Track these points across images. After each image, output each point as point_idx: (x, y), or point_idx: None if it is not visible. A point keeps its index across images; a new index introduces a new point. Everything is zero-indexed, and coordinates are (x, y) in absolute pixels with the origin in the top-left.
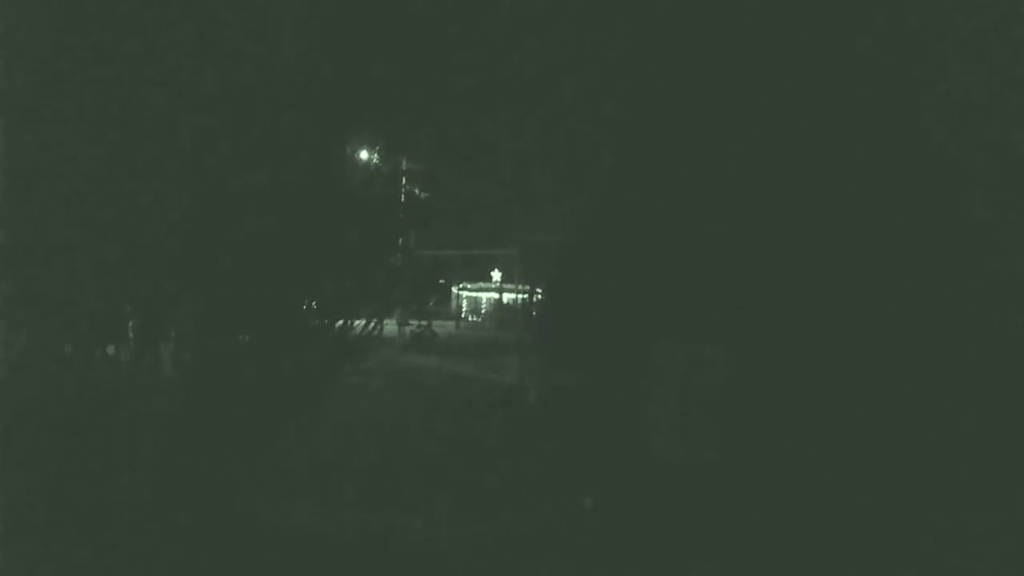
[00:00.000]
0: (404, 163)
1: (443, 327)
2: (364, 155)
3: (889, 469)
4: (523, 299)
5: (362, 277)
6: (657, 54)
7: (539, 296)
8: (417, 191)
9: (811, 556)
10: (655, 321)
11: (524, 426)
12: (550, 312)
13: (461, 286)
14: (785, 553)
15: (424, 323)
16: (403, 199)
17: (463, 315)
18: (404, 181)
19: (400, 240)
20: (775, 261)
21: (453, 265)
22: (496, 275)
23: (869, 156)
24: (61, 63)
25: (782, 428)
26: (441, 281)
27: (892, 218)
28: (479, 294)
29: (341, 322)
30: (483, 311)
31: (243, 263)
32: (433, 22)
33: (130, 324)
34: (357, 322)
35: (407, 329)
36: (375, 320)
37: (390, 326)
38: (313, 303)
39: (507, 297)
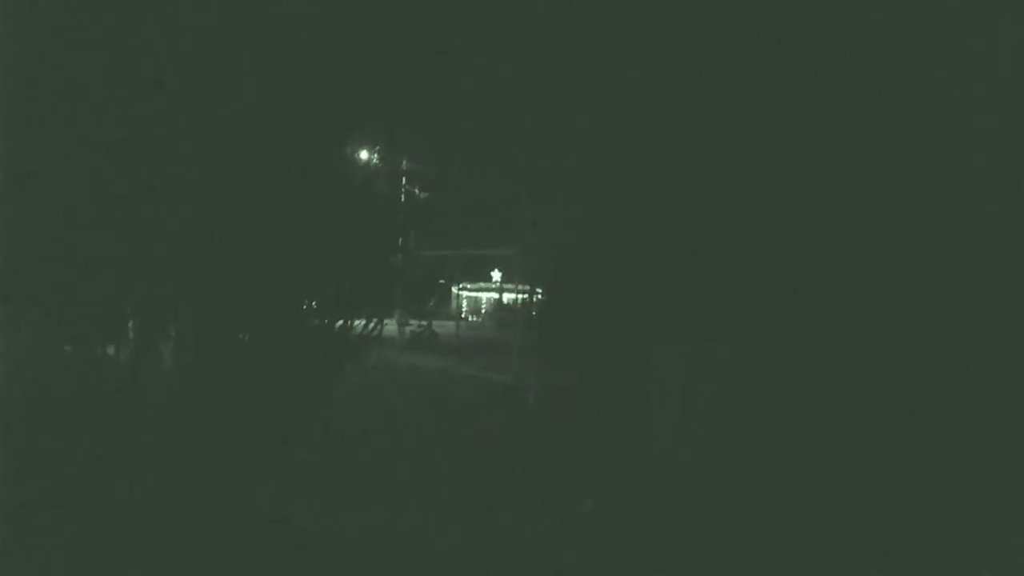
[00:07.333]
0: (404, 163)
1: (443, 327)
2: (364, 155)
3: (892, 470)
4: (523, 299)
5: (362, 277)
6: (657, 54)
7: (539, 296)
8: (417, 191)
9: (812, 558)
10: (656, 321)
11: (524, 426)
12: (550, 312)
13: (461, 286)
14: (786, 556)
15: (424, 323)
16: (403, 199)
17: (463, 315)
18: (404, 181)
19: (400, 240)
20: (776, 261)
21: (453, 265)
22: (496, 275)
23: (869, 153)
24: (60, 61)
25: (784, 430)
26: (441, 281)
27: (894, 216)
28: (479, 294)
29: (341, 322)
30: (483, 311)
31: (243, 263)
32: (434, 20)
33: (130, 324)
34: (357, 322)
35: (407, 329)
36: (375, 320)
37: (390, 326)
38: (313, 303)
39: (507, 297)
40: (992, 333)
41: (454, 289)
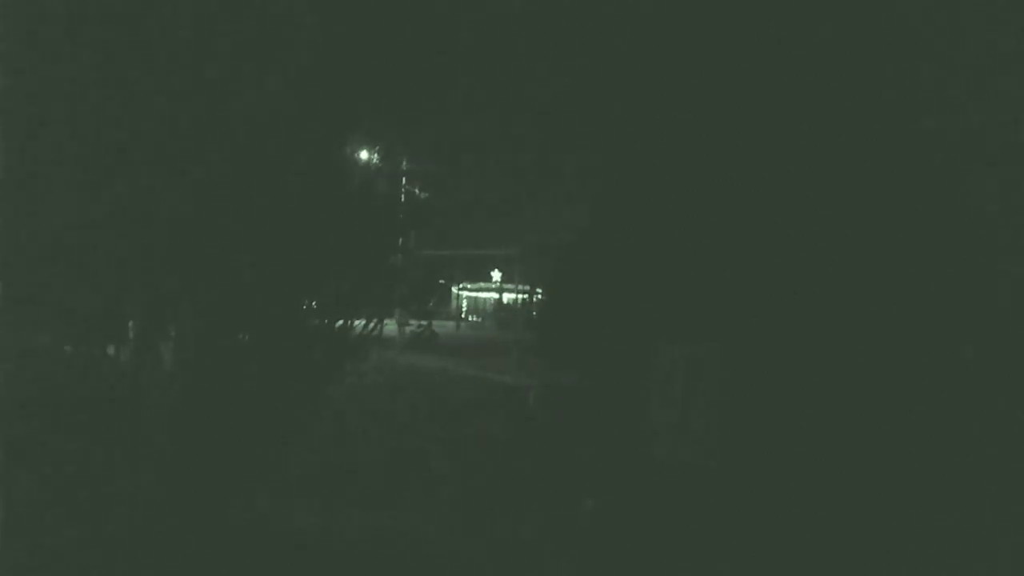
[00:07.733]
0: (404, 163)
1: (443, 327)
2: (364, 155)
3: (892, 470)
4: (523, 299)
5: (362, 277)
6: (656, 56)
7: (539, 296)
8: (417, 191)
9: (812, 558)
10: (655, 322)
11: (524, 426)
12: (550, 312)
13: (461, 286)
14: (786, 555)
15: (424, 323)
16: (403, 199)
17: (463, 315)
18: (404, 181)
19: (400, 240)
20: (776, 262)
21: (453, 265)
22: (496, 275)
23: (869, 154)
24: (61, 62)
25: (784, 430)
26: (441, 281)
27: (892, 217)
28: (479, 294)
29: (341, 322)
30: (484, 311)
31: (243, 263)
32: (434, 21)
33: (130, 324)
34: (357, 322)
35: (407, 329)
36: (375, 320)
37: (390, 326)
38: (313, 303)
39: (507, 297)
40: (991, 333)
41: (454, 289)
